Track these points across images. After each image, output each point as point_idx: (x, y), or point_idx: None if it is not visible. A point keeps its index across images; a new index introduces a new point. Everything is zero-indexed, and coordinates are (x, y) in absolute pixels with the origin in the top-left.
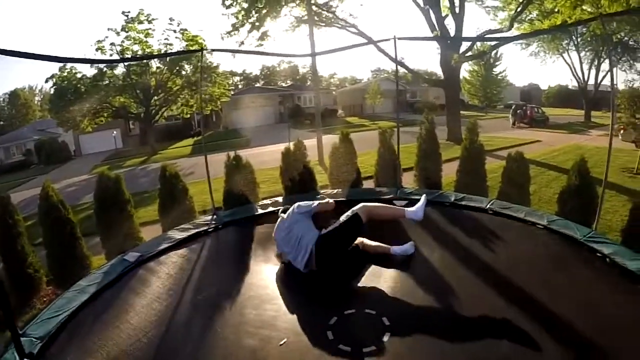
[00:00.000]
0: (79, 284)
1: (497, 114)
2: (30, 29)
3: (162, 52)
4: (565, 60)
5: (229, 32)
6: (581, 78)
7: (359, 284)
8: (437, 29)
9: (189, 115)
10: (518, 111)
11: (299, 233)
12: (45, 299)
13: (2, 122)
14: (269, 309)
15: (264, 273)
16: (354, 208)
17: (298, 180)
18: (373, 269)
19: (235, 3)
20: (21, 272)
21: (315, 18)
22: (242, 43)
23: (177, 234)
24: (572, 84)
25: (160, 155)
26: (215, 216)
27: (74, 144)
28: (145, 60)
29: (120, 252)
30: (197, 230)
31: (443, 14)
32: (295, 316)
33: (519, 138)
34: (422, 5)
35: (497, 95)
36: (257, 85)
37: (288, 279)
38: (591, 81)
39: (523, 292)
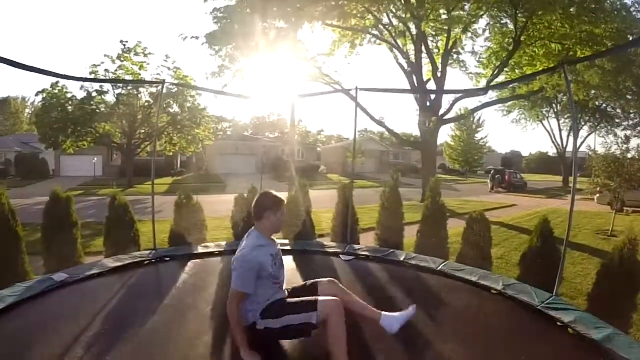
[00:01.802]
0: (0, 292)
1: (476, 179)
2: (33, 40)
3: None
4: (545, 127)
5: (213, 73)
6: (560, 144)
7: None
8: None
9: (171, 153)
10: (496, 176)
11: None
12: None
13: None
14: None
15: (181, 312)
16: (320, 288)
17: (245, 226)
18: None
19: (220, 49)
20: None
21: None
22: (226, 85)
23: (111, 263)
24: (552, 150)
25: (135, 189)
26: (154, 251)
27: (54, 163)
28: (131, 91)
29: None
30: (131, 261)
31: (425, 78)
32: None
33: (495, 202)
34: (405, 67)
35: (477, 160)
36: (245, 133)
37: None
38: (569, 147)
39: None
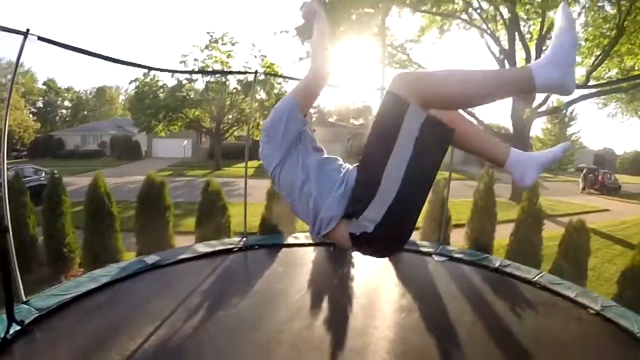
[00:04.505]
0: (93, 272)
1: (566, 177)
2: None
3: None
4: None
5: (301, 59)
6: None
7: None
8: None
9: (259, 138)
10: (589, 175)
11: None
12: (72, 278)
13: (85, 112)
14: (261, 334)
15: (273, 299)
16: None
17: None
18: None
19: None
20: (58, 249)
21: (388, 60)
22: None
23: (202, 248)
24: None
25: (223, 172)
26: (244, 238)
27: (147, 145)
28: (219, 78)
29: (150, 254)
30: (221, 248)
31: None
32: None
33: (586, 205)
34: (497, 54)
35: (569, 157)
36: (330, 120)
37: (295, 308)
38: None
39: None
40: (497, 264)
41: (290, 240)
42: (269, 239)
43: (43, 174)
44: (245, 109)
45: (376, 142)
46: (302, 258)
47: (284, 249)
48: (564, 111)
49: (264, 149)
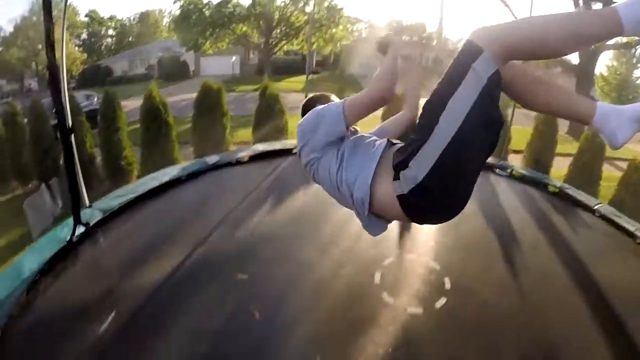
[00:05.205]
0: (155, 174)
1: None
2: None
3: None
4: None
5: None
6: None
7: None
8: None
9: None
10: None
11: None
12: None
13: (130, 38)
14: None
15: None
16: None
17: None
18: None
19: None
20: (116, 163)
21: None
22: None
23: (261, 147)
24: None
25: (274, 86)
26: None
27: (194, 65)
28: None
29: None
30: (282, 148)
31: None
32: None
33: None
34: None
35: (632, 101)
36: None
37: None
38: None
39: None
40: (557, 185)
41: None
42: None
43: (95, 99)
44: (294, 22)
45: (441, 85)
46: None
47: None
48: (634, 50)
49: (301, 148)
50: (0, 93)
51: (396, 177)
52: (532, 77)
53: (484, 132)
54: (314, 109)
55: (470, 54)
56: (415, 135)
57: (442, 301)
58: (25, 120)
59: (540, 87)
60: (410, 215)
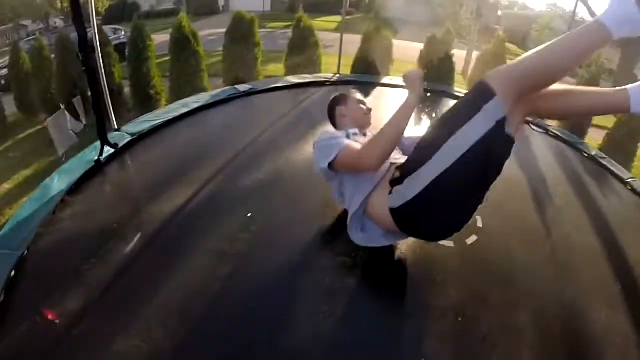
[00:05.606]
0: (185, 100)
1: None
2: None
3: None
4: None
5: None
6: None
7: None
8: None
9: None
10: None
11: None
12: None
13: None
14: None
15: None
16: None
17: (436, 67)
18: None
19: None
20: (144, 92)
21: None
22: None
23: (294, 79)
24: None
25: (308, 20)
26: (338, 75)
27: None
28: None
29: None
30: (314, 80)
31: None
32: None
33: None
34: None
35: None
36: None
37: None
38: None
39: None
40: (592, 152)
41: (385, 80)
42: (365, 77)
43: (122, 33)
44: None
45: (450, 116)
46: (397, 99)
47: (379, 87)
48: None
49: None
50: (27, 32)
51: (391, 192)
52: (553, 94)
53: (480, 170)
54: (322, 141)
55: (483, 95)
56: (417, 155)
57: (472, 238)
58: (53, 56)
59: (568, 98)
60: (401, 227)
